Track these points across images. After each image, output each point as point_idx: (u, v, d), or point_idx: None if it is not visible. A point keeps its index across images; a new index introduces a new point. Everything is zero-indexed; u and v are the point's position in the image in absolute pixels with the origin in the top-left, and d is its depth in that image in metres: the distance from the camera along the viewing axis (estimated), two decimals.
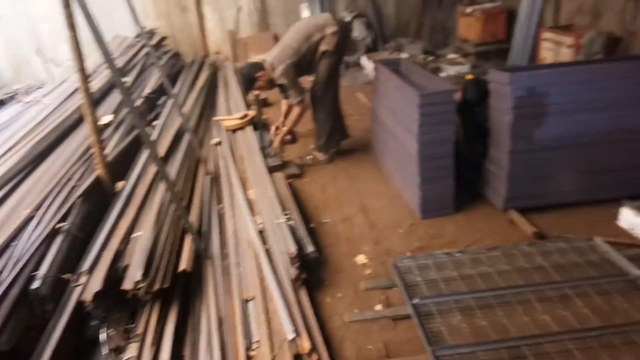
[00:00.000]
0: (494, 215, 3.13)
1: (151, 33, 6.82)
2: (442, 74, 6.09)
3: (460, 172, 3.18)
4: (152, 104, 4.84)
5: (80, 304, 2.10)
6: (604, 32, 4.61)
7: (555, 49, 5.08)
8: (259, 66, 3.77)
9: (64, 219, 2.62)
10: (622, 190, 3.08)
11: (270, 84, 3.83)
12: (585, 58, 4.52)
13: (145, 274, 2.20)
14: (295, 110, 3.90)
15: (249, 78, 3.79)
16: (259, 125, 4.04)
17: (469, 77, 3.95)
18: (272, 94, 6.00)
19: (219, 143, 4.15)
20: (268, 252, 2.60)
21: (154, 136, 3.93)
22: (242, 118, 4.44)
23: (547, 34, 5.22)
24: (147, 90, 4.83)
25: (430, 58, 6.76)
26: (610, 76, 2.95)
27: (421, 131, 2.98)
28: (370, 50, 7.32)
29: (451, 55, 6.62)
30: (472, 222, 3.11)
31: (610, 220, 2.97)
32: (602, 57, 4.42)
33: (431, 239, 2.96)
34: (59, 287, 2.24)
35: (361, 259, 2.80)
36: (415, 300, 2.34)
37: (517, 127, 2.93)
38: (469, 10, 6.37)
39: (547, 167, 3.05)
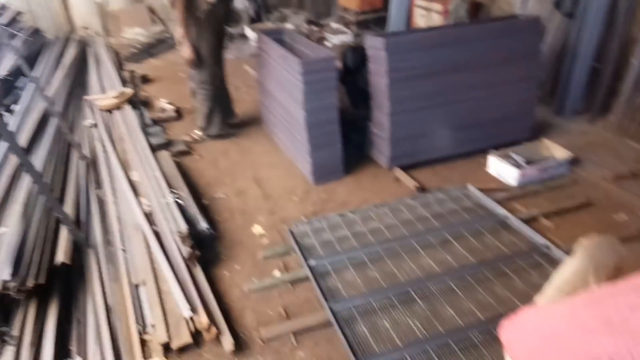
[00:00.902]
0: (380, 175, 3.30)
1: (2, 8, 5.98)
2: (327, 44, 6.18)
3: (347, 137, 3.28)
4: (9, 87, 4.28)
5: None
6: None
7: (427, 15, 5.40)
8: None
9: None
10: (489, 141, 3.40)
11: None
12: (453, 22, 4.86)
13: (15, 272, 1.97)
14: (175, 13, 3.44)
15: None
16: (138, 102, 3.77)
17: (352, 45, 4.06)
18: (152, 70, 5.66)
19: (93, 125, 3.82)
20: (157, 234, 2.47)
21: (13, 123, 3.49)
22: (118, 96, 4.12)
23: (419, 2, 5.51)
24: (1, 72, 4.25)
25: (315, 28, 6.81)
26: (474, 37, 3.21)
27: (306, 99, 3.00)
28: (254, 21, 7.17)
29: (334, 25, 6.72)
30: (361, 182, 3.24)
31: (480, 169, 3.29)
32: (467, 21, 4.79)
33: (324, 203, 3.04)
34: None
35: (258, 229, 2.79)
36: (311, 262, 2.40)
37: (394, 89, 3.07)
38: None
39: (425, 126, 3.26)
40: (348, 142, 3.30)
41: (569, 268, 1.60)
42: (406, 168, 3.29)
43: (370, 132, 3.43)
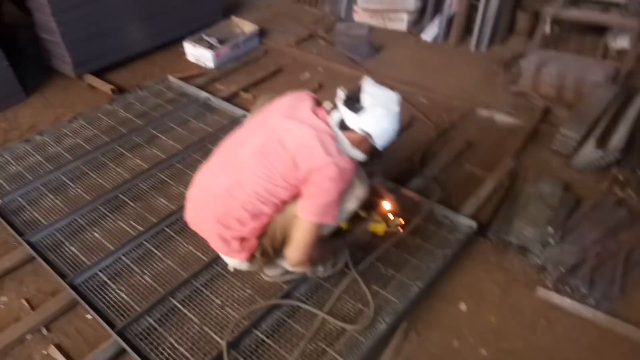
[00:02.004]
0: (70, 86, 2.91)
1: None
2: None
3: (21, 51, 2.73)
4: None
5: None
6: None
7: None
8: None
9: None
10: (184, 28, 3.29)
11: None
12: None
13: None
14: None
15: None
16: None
17: None
18: None
19: None
20: None
21: None
22: None
23: None
24: None
25: None
26: None
27: None
28: None
29: None
30: (49, 99, 2.81)
31: (180, 59, 3.21)
32: None
33: (6, 133, 2.56)
34: None
35: None
36: None
37: None
38: None
39: (107, 20, 2.92)
40: (21, 56, 2.76)
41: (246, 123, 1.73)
42: (99, 72, 2.98)
43: (42, 39, 2.92)
